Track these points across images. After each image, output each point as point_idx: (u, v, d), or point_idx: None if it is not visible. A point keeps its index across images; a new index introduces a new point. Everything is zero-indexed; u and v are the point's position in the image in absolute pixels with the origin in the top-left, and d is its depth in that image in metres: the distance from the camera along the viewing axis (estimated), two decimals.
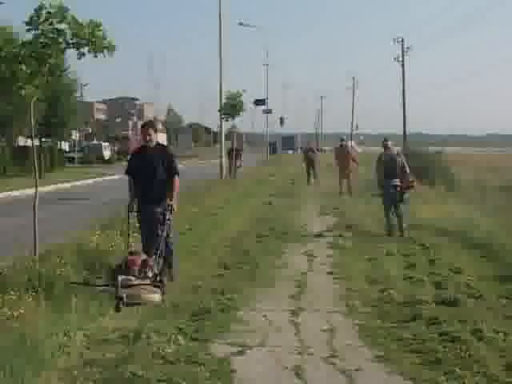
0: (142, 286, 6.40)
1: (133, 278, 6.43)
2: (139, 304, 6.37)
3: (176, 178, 7.65)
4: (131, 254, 6.92)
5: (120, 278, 6.33)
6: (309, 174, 27.31)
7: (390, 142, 12.73)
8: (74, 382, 4.63)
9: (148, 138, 7.64)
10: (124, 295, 6.19)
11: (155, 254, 7.04)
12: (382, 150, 12.76)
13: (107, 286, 6.66)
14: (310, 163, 27.18)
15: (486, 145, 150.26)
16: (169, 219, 7.38)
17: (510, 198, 17.37)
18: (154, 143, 7.72)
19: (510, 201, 16.31)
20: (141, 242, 7.80)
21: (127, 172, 7.88)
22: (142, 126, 7.88)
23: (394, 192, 12.20)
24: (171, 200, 7.47)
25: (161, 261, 7.18)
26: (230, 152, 26.78)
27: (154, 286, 6.49)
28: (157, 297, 6.39)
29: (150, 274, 6.61)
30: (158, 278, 6.63)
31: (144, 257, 6.84)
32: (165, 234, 7.30)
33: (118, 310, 6.22)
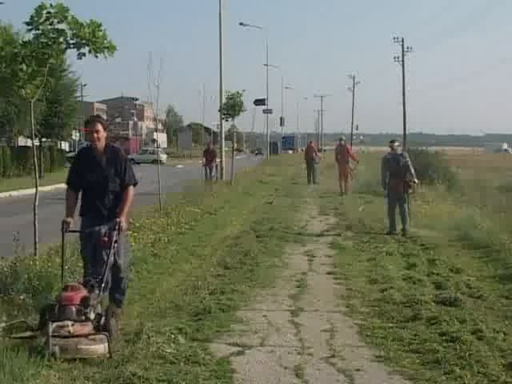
0: (80, 336, 5.01)
1: (69, 323, 5.00)
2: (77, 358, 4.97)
3: (130, 188, 6.14)
4: (67, 289, 5.35)
5: (51, 326, 4.87)
6: (309, 174, 27.45)
7: (396, 143, 12.87)
8: (74, 382, 4.63)
9: (95, 136, 6.01)
10: (56, 349, 4.85)
11: (99, 287, 5.53)
12: (389, 150, 12.98)
13: (34, 336, 5.14)
14: (310, 167, 27.36)
15: (485, 145, 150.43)
16: (116, 241, 5.77)
17: (510, 197, 17.37)
18: (104, 144, 6.12)
19: (510, 201, 16.30)
20: (84, 270, 6.26)
21: (69, 182, 6.24)
22: (87, 122, 6.25)
23: (397, 192, 12.36)
24: (120, 216, 5.90)
25: (105, 295, 5.77)
26: (205, 152, 25.16)
27: (97, 332, 5.10)
28: (101, 348, 4.98)
29: (92, 316, 5.19)
30: (103, 321, 5.23)
31: (84, 292, 5.33)
32: (111, 260, 5.76)
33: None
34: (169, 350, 5.18)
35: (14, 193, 23.32)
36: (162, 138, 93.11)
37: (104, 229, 5.86)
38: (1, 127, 30.82)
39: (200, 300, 6.89)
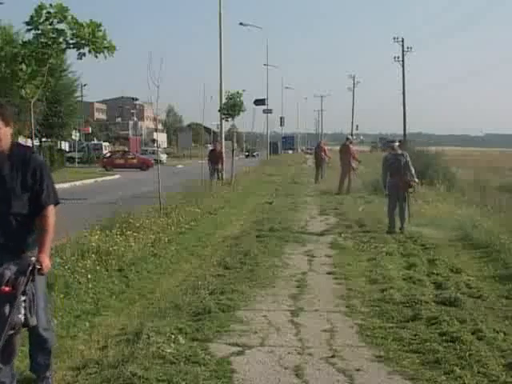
0: None
1: None
2: None
3: (50, 209, 4.14)
4: None
5: None
6: (317, 174, 27.70)
7: (396, 144, 12.99)
8: (75, 382, 4.63)
9: None
10: None
11: None
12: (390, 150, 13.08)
13: None
14: (319, 166, 27.69)
15: (485, 144, 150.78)
16: (24, 292, 3.73)
17: (510, 197, 17.36)
18: (7, 144, 4.18)
19: (510, 201, 16.30)
20: None
21: None
22: None
23: (398, 191, 12.44)
24: (40, 252, 3.98)
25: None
26: (211, 153, 24.87)
27: None
28: None
29: None
30: None
31: None
32: (20, 319, 3.72)
33: None
34: (169, 350, 5.18)
35: None
36: (161, 138, 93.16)
37: (9, 271, 3.75)
38: None
39: (200, 300, 6.88)
